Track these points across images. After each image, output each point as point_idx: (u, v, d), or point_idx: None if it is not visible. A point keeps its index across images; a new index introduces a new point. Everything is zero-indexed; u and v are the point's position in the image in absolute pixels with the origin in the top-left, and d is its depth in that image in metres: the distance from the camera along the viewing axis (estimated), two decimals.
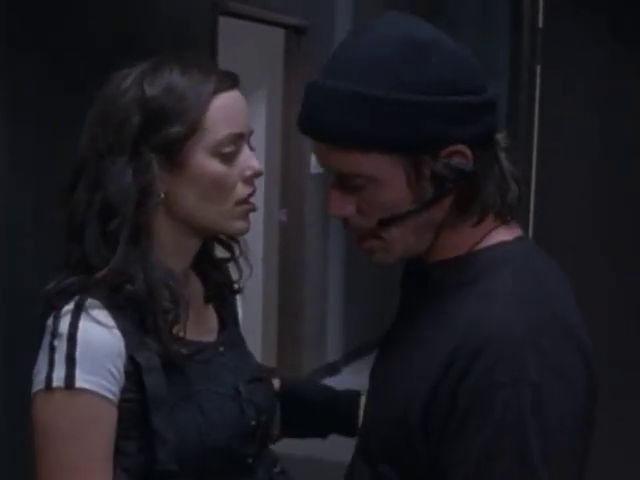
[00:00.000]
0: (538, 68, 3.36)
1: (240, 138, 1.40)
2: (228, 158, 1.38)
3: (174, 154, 1.35)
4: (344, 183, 1.23)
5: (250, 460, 1.44)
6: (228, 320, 1.54)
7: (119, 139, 1.34)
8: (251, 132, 1.44)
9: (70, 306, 1.30)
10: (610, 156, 3.28)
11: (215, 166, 1.37)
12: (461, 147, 1.18)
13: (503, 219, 1.26)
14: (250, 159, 1.41)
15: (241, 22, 5.08)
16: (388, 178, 1.19)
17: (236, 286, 1.58)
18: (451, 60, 1.19)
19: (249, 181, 1.41)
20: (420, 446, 1.19)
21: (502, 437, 1.12)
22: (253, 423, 1.43)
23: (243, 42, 5.22)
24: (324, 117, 1.19)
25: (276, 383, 1.61)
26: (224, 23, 4.70)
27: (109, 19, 3.58)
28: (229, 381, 1.43)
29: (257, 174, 1.41)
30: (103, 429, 1.30)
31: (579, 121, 3.30)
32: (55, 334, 1.29)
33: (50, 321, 1.31)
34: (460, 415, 1.15)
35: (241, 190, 1.40)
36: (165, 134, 1.34)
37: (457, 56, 1.20)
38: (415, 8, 4.81)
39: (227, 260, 1.54)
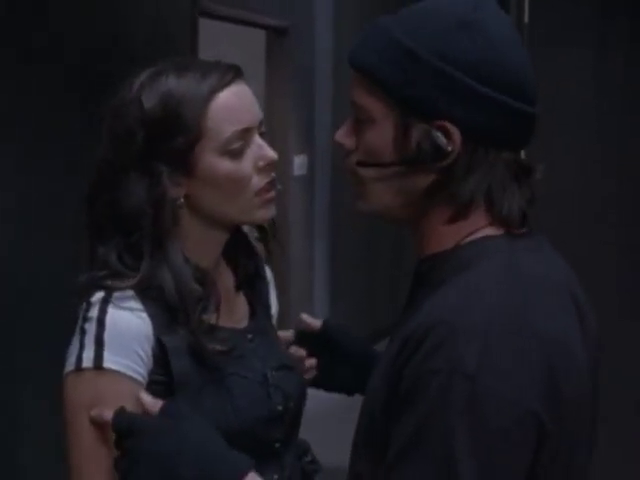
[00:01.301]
0: None
1: (247, 132, 1.40)
2: (238, 154, 1.39)
3: (184, 161, 1.38)
4: (354, 114, 1.27)
5: (278, 445, 1.46)
6: (257, 308, 1.55)
7: (128, 155, 1.37)
8: (260, 121, 1.43)
9: (101, 293, 1.35)
10: (603, 154, 3.27)
11: (226, 165, 1.39)
12: (450, 126, 1.18)
13: (503, 229, 1.23)
14: (261, 149, 1.42)
15: (222, 23, 5.04)
16: (380, 122, 1.23)
17: (268, 274, 1.61)
18: (484, 43, 1.19)
19: (264, 171, 1.42)
20: (381, 433, 1.17)
21: (429, 425, 1.09)
22: (280, 408, 1.45)
23: (224, 43, 5.19)
24: (361, 45, 1.26)
25: (318, 323, 1.64)
26: (205, 24, 4.66)
27: (89, 20, 3.56)
28: (257, 367, 1.45)
29: (271, 163, 1.42)
30: (131, 408, 1.30)
31: (569, 119, 3.28)
32: (86, 318, 1.33)
33: (82, 308, 1.35)
34: (400, 399, 1.13)
35: (257, 181, 1.41)
36: (170, 146, 1.37)
37: (495, 42, 1.20)
38: (398, 5, 4.76)
39: (263, 239, 1.55)
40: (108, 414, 1.27)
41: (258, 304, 1.56)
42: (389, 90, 1.21)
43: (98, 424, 1.30)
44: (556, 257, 1.27)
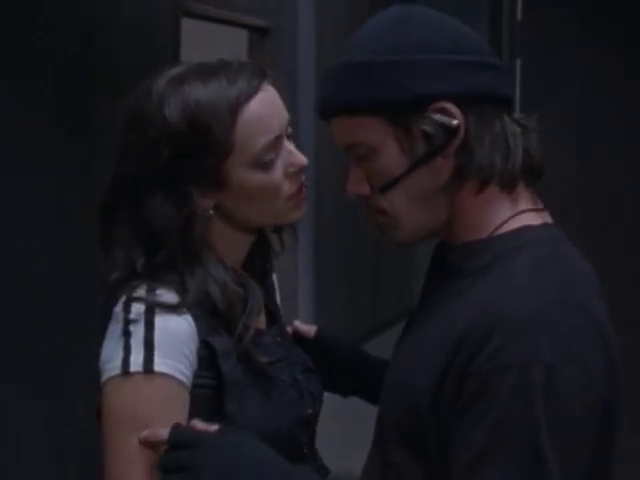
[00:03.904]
0: (518, 62, 3.29)
1: (278, 140, 1.35)
2: (269, 164, 1.34)
3: (213, 178, 1.32)
4: (352, 156, 1.26)
5: (305, 449, 1.45)
6: (273, 308, 1.52)
7: (152, 173, 1.31)
8: (288, 124, 1.37)
9: (142, 291, 1.28)
10: (591, 151, 3.24)
11: (257, 177, 1.34)
12: (444, 104, 1.20)
13: (509, 188, 1.24)
14: (291, 156, 1.37)
15: (204, 23, 4.97)
16: (381, 143, 1.22)
17: (274, 277, 1.57)
18: (432, 26, 1.23)
19: (295, 176, 1.38)
20: (431, 432, 1.17)
21: (510, 422, 1.08)
22: (310, 411, 1.45)
23: (206, 43, 5.11)
24: (325, 93, 1.26)
25: (312, 330, 1.62)
26: (187, 24, 4.59)
27: (70, 18, 3.51)
28: (287, 370, 1.44)
29: (301, 169, 1.37)
30: (179, 414, 1.26)
31: (561, 115, 3.24)
32: (129, 320, 1.26)
33: (119, 308, 1.28)
34: (468, 398, 1.12)
35: (288, 187, 1.37)
36: (198, 165, 1.31)
37: (440, 24, 1.24)
38: (380, 6, 4.70)
39: (278, 231, 1.52)
40: (163, 432, 1.20)
41: (271, 304, 1.52)
42: (373, 109, 1.21)
43: (150, 444, 1.22)
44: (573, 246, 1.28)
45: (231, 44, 5.53)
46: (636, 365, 3.10)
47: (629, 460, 3.15)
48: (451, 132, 1.19)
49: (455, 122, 1.19)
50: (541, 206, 1.28)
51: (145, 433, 1.22)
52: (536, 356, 1.08)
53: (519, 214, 1.23)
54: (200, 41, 4.95)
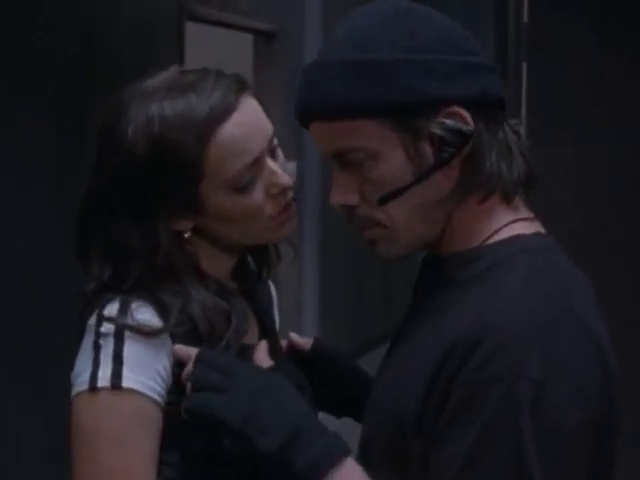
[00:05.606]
0: (524, 65, 3.28)
1: (256, 161, 1.26)
2: (247, 187, 1.26)
3: (185, 203, 1.26)
4: (343, 163, 1.18)
5: None
6: (267, 324, 1.45)
7: (120, 195, 1.25)
8: (272, 138, 1.29)
9: (115, 305, 1.22)
10: (598, 152, 3.22)
11: (235, 200, 1.26)
12: (456, 108, 1.13)
13: (510, 198, 1.19)
14: (273, 176, 1.28)
15: (209, 27, 4.97)
16: (385, 149, 1.14)
17: (272, 290, 1.52)
18: (434, 23, 1.17)
19: (278, 197, 1.29)
20: (414, 447, 1.12)
21: (494, 436, 1.04)
22: None
23: (211, 47, 5.12)
24: (313, 93, 1.17)
25: (308, 343, 1.52)
26: (191, 28, 4.59)
27: (70, 18, 3.50)
28: None
29: (284, 189, 1.29)
30: (150, 432, 1.21)
31: (566, 117, 3.23)
32: (100, 333, 1.21)
33: (93, 321, 1.23)
34: (452, 409, 1.08)
35: (271, 208, 1.29)
36: (168, 190, 1.24)
37: (441, 21, 1.18)
38: None
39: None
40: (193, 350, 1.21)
41: (265, 317, 1.45)
42: (378, 112, 1.13)
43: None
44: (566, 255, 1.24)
45: (236, 48, 5.54)
46: (635, 369, 3.08)
47: (628, 471, 3.14)
48: (462, 136, 1.13)
49: (470, 128, 1.13)
50: (532, 215, 1.24)
51: (176, 347, 1.22)
52: (523, 370, 1.04)
53: (511, 223, 1.19)
54: (206, 45, 4.95)
